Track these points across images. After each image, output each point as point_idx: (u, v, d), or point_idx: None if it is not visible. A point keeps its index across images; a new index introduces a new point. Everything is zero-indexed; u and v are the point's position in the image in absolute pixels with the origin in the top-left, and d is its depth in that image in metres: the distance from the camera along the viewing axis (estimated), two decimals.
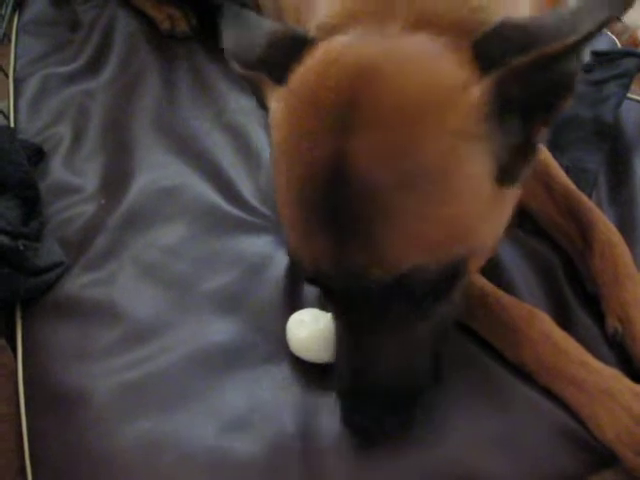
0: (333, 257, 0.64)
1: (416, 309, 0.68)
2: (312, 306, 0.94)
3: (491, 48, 0.61)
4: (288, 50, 0.69)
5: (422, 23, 0.65)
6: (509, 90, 0.61)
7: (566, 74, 0.62)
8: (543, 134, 0.67)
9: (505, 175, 0.65)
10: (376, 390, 0.72)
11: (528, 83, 0.61)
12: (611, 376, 0.81)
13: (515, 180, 0.67)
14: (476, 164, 0.62)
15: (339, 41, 0.67)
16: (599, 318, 0.92)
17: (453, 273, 0.66)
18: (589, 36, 0.57)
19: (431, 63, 0.63)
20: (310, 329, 0.88)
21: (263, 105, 0.73)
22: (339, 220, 0.62)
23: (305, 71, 0.67)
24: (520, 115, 0.64)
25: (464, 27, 0.64)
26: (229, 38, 0.75)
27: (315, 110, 0.63)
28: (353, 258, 0.62)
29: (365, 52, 0.64)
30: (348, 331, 0.72)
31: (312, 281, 0.72)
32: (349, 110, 0.61)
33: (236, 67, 0.73)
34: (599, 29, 0.57)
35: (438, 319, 0.72)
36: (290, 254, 0.70)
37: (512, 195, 0.69)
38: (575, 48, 0.59)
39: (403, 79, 0.61)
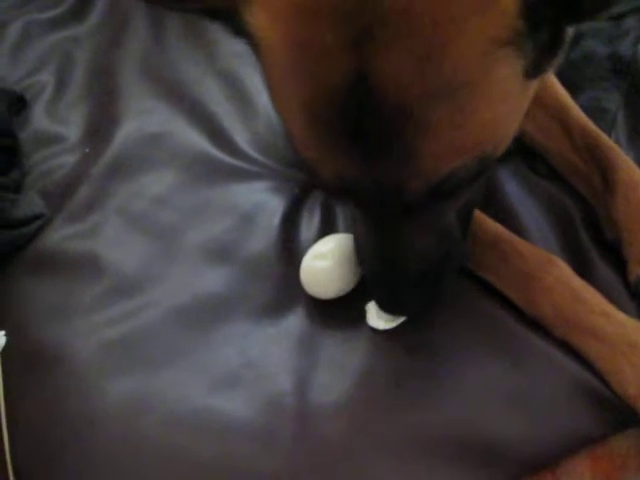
0: (362, 174, 0.62)
1: (447, 204, 0.70)
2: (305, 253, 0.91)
3: None
4: None
5: None
6: None
7: None
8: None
9: (533, 71, 0.62)
10: (408, 276, 0.74)
11: None
12: (635, 327, 0.78)
13: (542, 73, 0.65)
14: (507, 67, 0.58)
15: None
16: (619, 266, 0.88)
17: (483, 168, 0.65)
18: None
19: None
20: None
21: (238, 30, 0.65)
22: (366, 137, 0.59)
23: None
24: (550, 13, 0.59)
25: None
26: None
27: (327, 20, 0.56)
28: (387, 173, 0.61)
29: None
30: (379, 227, 0.72)
31: (336, 195, 0.74)
32: (370, 17, 0.54)
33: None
34: None
35: (463, 206, 0.74)
36: (309, 175, 0.68)
37: (535, 84, 0.67)
38: None
39: None
